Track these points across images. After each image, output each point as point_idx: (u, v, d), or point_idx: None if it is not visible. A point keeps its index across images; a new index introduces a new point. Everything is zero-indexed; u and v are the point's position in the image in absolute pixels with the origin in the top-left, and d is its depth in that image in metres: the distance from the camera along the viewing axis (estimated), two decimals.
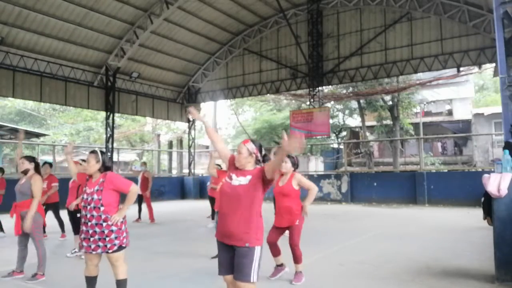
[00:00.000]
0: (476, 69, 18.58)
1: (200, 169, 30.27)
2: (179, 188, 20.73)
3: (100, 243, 3.81)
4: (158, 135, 32.22)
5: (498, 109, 13.23)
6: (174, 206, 16.30)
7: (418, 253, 6.55)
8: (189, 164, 21.79)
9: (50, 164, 8.76)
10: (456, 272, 5.37)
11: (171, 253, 6.95)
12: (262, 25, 19.33)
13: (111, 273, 3.99)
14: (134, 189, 3.93)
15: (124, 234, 3.92)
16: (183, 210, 15.13)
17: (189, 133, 22.06)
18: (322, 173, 21.03)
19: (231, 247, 3.09)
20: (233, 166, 3.24)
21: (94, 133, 34.69)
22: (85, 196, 3.92)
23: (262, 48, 19.66)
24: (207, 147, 36.11)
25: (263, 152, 3.27)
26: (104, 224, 3.81)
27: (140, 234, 8.92)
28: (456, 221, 10.47)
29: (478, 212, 9.16)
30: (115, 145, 18.20)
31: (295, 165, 5.03)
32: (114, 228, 3.83)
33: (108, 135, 17.64)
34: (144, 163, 12.45)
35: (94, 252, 3.83)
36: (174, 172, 25.92)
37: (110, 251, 3.81)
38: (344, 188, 16.57)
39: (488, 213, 5.47)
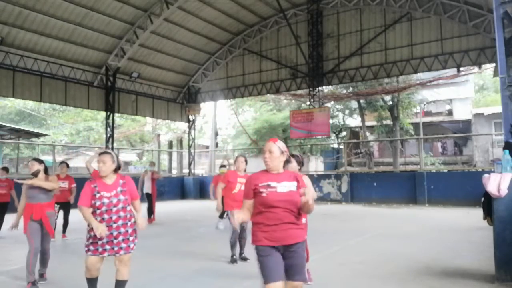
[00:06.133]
0: (476, 69, 18.58)
1: (200, 169, 30.28)
2: (179, 188, 20.74)
3: (123, 244, 3.84)
4: (158, 135, 32.23)
5: (498, 109, 13.23)
6: (174, 206, 16.30)
7: (418, 253, 6.55)
8: (189, 164, 21.79)
9: (67, 164, 8.78)
10: (456, 272, 5.37)
11: (171, 253, 6.95)
12: (262, 25, 19.33)
13: (107, 274, 3.99)
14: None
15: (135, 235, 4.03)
16: (183, 210, 15.13)
17: (189, 133, 22.05)
18: (322, 173, 21.03)
19: (279, 251, 2.93)
20: (261, 179, 3.02)
21: (94, 133, 34.70)
22: (106, 201, 3.81)
23: (262, 48, 19.66)
24: (207, 147, 36.11)
25: None
26: (129, 223, 3.90)
27: (140, 234, 8.85)
28: (456, 221, 10.47)
29: (478, 212, 9.16)
30: (115, 145, 18.21)
31: (301, 163, 5.02)
32: (135, 227, 3.95)
33: (108, 135, 17.64)
34: (153, 163, 12.44)
35: (117, 254, 3.84)
36: (174, 172, 25.91)
37: (132, 251, 3.89)
38: (344, 188, 16.58)
39: (488, 213, 5.47)
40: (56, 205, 8.33)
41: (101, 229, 3.70)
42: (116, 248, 3.82)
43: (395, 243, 7.46)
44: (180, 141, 28.77)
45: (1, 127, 20.23)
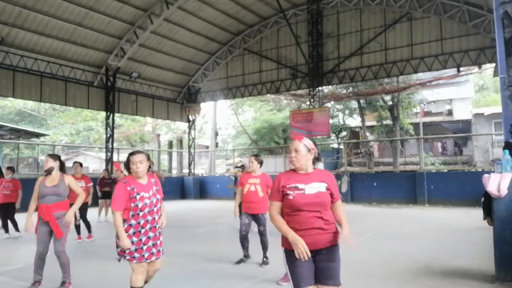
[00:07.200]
0: (476, 69, 18.59)
1: (200, 169, 30.27)
2: (179, 188, 20.73)
3: (160, 247, 3.80)
4: (158, 135, 32.21)
5: (498, 109, 13.22)
6: (174, 206, 16.28)
7: (418, 253, 6.55)
8: (189, 164, 21.79)
9: (81, 164, 8.57)
10: (456, 272, 5.37)
11: (171, 253, 6.92)
12: (262, 25, 19.34)
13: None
14: None
15: None
16: (183, 210, 15.12)
17: (189, 133, 22.06)
18: None
19: (311, 254, 2.77)
20: (288, 180, 2.87)
21: (94, 133, 34.72)
22: (147, 201, 3.66)
23: (262, 48, 19.67)
24: (207, 147, 36.11)
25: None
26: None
27: None
28: (456, 221, 10.47)
29: (478, 212, 9.16)
30: (115, 145, 18.20)
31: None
32: None
33: (108, 135, 17.64)
34: (152, 162, 12.42)
35: (161, 256, 3.78)
36: (174, 172, 25.91)
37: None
38: (344, 188, 16.57)
39: (488, 213, 5.47)
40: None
41: (126, 243, 3.56)
42: (160, 250, 3.76)
43: (395, 243, 7.46)
44: (180, 141, 28.76)
45: (1, 127, 20.22)
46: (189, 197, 20.42)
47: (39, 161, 22.23)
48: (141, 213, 3.63)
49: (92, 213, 11.16)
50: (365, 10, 17.08)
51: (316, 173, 2.90)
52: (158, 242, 3.74)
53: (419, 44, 15.97)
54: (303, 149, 2.87)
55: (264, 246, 5.85)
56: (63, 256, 4.72)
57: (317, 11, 17.54)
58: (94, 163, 32.57)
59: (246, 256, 6.07)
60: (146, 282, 3.91)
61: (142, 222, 3.63)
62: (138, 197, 3.62)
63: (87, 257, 6.65)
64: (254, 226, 8.78)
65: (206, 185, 20.90)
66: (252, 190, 5.84)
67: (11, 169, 9.01)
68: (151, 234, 3.68)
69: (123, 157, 31.08)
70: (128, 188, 3.63)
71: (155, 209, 3.71)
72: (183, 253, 6.89)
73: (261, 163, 5.95)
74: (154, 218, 3.69)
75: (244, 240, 5.99)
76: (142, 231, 3.64)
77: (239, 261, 6.01)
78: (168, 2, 15.56)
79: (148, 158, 3.82)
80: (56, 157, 4.90)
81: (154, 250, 3.70)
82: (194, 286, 4.96)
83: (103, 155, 23.47)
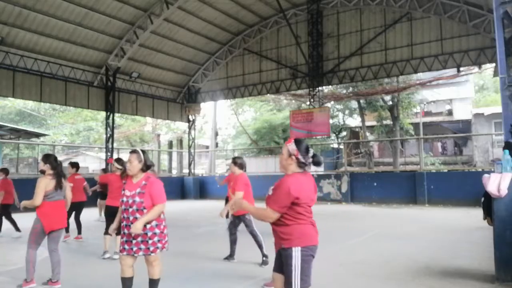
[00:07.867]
0: (476, 69, 18.59)
1: (200, 169, 30.27)
2: (179, 188, 20.72)
3: (142, 246, 3.80)
4: (158, 135, 32.22)
5: (498, 109, 13.23)
6: (174, 206, 16.28)
7: (418, 253, 6.55)
8: (189, 164, 21.79)
9: (73, 164, 8.32)
10: (456, 272, 5.37)
11: (171, 253, 6.90)
12: (262, 25, 19.34)
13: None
14: (162, 208, 3.92)
15: (166, 238, 3.97)
16: (183, 210, 15.12)
17: (189, 133, 22.06)
18: (322, 173, 21.00)
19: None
20: None
21: (94, 133, 34.72)
22: (124, 199, 3.83)
23: (262, 48, 19.67)
24: (207, 147, 36.10)
25: (311, 153, 2.99)
26: (148, 226, 3.79)
27: None
28: (456, 221, 10.48)
29: (478, 212, 9.16)
30: (115, 145, 18.20)
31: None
32: (157, 230, 3.84)
33: (108, 135, 17.64)
34: (152, 163, 12.39)
35: (136, 255, 3.83)
36: (174, 172, 25.91)
37: (152, 254, 3.84)
38: (344, 188, 16.57)
39: (488, 213, 5.47)
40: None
41: (112, 226, 4.09)
42: (134, 249, 3.78)
43: (395, 243, 7.46)
44: (180, 141, 28.76)
45: (1, 127, 20.24)
46: (189, 197, 20.42)
47: (39, 161, 22.20)
48: (123, 208, 3.88)
49: (92, 213, 11.18)
50: (365, 10, 17.09)
51: (283, 178, 2.96)
52: (134, 242, 3.79)
53: (419, 44, 15.98)
54: (285, 152, 3.00)
55: (259, 245, 5.87)
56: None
57: (317, 11, 17.55)
58: (94, 163, 32.52)
59: (230, 255, 6.18)
60: (153, 278, 4.01)
61: (124, 216, 3.87)
62: (123, 192, 3.91)
63: (87, 257, 6.65)
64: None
65: (206, 185, 20.91)
66: (230, 192, 6.11)
67: (3, 170, 8.87)
68: (125, 230, 3.83)
69: (123, 157, 31.04)
70: (123, 182, 4.09)
71: (130, 210, 3.79)
72: (182, 253, 6.89)
73: (240, 165, 5.97)
74: (128, 218, 3.80)
75: (229, 237, 6.20)
76: (122, 225, 3.87)
77: (225, 258, 6.23)
78: (168, 2, 15.56)
79: (140, 160, 3.91)
80: (46, 158, 4.89)
81: (126, 246, 3.83)
82: (194, 286, 4.96)
83: (103, 155, 23.49)
